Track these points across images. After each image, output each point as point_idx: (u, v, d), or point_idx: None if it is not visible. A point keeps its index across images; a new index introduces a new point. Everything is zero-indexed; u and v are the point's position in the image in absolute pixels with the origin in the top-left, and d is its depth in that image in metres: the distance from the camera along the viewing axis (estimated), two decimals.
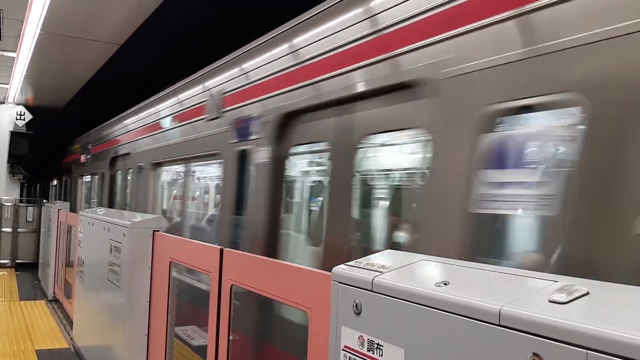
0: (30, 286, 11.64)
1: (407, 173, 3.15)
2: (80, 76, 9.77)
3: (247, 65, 4.35)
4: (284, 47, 3.77)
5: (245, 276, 3.11)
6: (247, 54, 4.40)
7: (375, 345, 1.69)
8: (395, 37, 2.69)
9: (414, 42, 2.55)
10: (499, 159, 2.15)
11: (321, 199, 3.48)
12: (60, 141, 14.61)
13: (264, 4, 5.75)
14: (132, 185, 7.35)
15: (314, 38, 3.40)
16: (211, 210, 4.78)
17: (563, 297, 1.27)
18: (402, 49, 2.63)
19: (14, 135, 13.26)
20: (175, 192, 6.14)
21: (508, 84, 2.12)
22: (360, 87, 2.94)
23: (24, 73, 9.93)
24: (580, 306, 1.25)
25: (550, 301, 1.28)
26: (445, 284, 1.55)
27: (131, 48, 7.64)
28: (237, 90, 4.44)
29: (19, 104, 13.22)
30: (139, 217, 5.03)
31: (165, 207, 6.21)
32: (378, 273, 1.77)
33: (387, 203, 3.24)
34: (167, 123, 6.03)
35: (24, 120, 13.21)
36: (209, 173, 5.12)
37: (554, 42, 1.96)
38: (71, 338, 7.17)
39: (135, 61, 8.36)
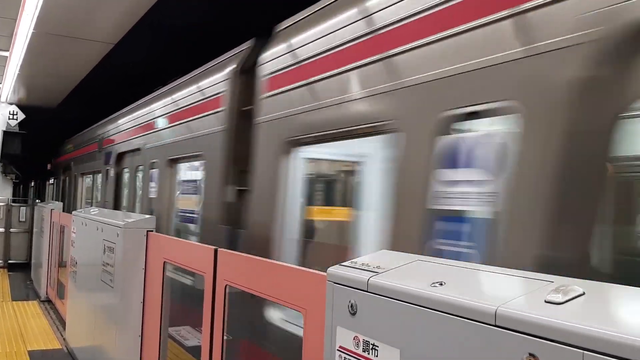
0: (22, 287, 11.59)
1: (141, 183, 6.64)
2: (74, 75, 9.71)
3: (109, 126, 8.77)
4: (120, 121, 8.04)
5: (239, 276, 3.11)
6: (107, 121, 9.10)
7: (371, 346, 1.69)
8: (134, 131, 6.97)
9: (137, 134, 6.85)
10: (152, 179, 5.99)
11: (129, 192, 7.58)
12: (54, 141, 14.58)
13: (260, 3, 5.73)
14: (72, 187, 11.99)
15: (127, 122, 7.52)
16: (100, 199, 8.96)
17: (559, 298, 1.27)
18: (135, 136, 6.87)
19: (7, 134, 13.17)
20: (88, 190, 10.82)
21: (153, 154, 6.01)
22: (135, 147, 6.86)
23: (17, 72, 9.86)
24: (576, 306, 1.25)
25: (546, 301, 1.28)
26: (441, 284, 1.54)
27: (125, 47, 7.61)
28: (105, 137, 8.82)
29: (11, 104, 13.14)
30: (133, 217, 5.01)
31: (84, 199, 11.06)
32: (373, 273, 1.76)
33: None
34: (87, 149, 10.44)
35: (16, 119, 13.12)
36: (99, 181, 9.28)
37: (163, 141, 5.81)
38: (64, 339, 7.15)
39: (130, 60, 8.32)
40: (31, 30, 7.24)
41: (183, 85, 5.48)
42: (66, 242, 7.83)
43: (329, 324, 1.89)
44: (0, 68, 10.59)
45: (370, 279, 1.73)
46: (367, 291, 1.73)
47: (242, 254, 3.26)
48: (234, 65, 4.26)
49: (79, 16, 6.64)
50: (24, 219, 13.84)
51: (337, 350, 1.83)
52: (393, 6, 2.58)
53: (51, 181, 15.98)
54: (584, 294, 1.30)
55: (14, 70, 9.83)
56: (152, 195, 5.96)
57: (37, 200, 14.52)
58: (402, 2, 2.53)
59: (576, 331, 1.14)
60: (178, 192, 5.56)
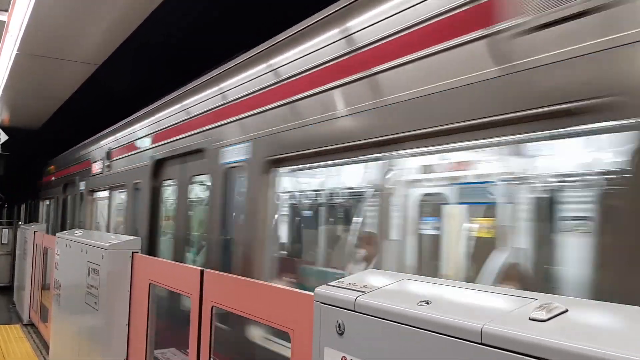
0: (5, 310, 11.41)
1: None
2: (58, 96, 9.67)
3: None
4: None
5: (226, 297, 3.09)
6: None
7: None
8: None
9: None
10: None
11: None
12: (38, 162, 14.48)
13: (244, 22, 5.79)
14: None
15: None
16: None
17: (543, 315, 1.29)
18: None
19: None
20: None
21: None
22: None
23: (0, 94, 9.81)
24: (559, 323, 1.27)
25: (530, 319, 1.30)
26: (427, 303, 1.55)
27: (110, 68, 7.61)
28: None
29: None
30: (117, 238, 4.98)
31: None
32: (360, 293, 1.77)
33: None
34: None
35: None
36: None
37: None
38: None
39: (114, 81, 8.33)
40: (15, 52, 7.22)
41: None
42: (49, 265, 7.73)
43: (317, 344, 1.89)
44: None
45: (358, 298, 1.74)
46: (354, 311, 1.73)
47: (229, 275, 3.25)
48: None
49: (63, 37, 6.64)
50: (6, 241, 13.66)
51: None
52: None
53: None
54: (567, 311, 1.32)
55: None
56: None
57: (19, 223, 14.38)
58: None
59: (560, 348, 1.15)
60: None
